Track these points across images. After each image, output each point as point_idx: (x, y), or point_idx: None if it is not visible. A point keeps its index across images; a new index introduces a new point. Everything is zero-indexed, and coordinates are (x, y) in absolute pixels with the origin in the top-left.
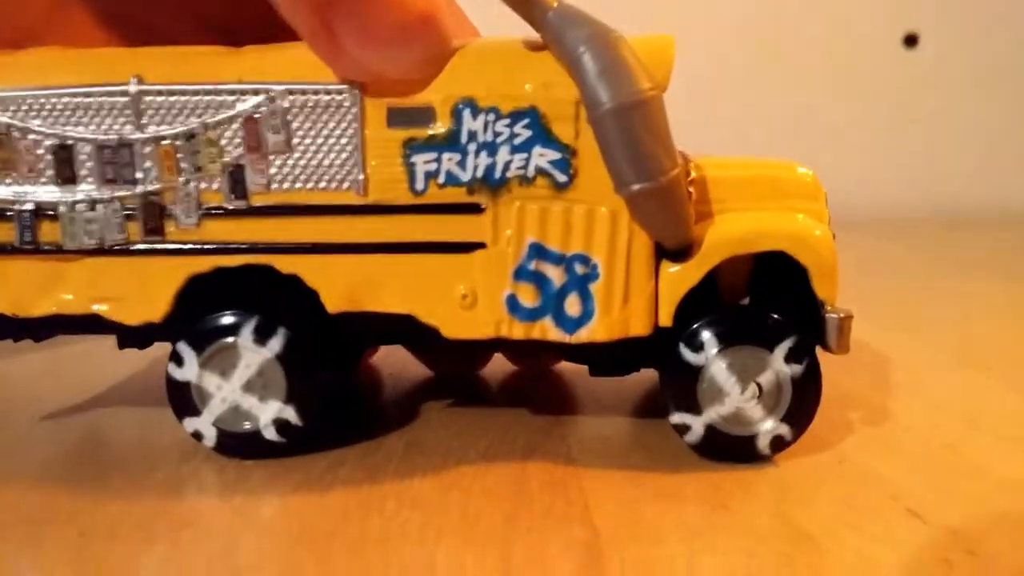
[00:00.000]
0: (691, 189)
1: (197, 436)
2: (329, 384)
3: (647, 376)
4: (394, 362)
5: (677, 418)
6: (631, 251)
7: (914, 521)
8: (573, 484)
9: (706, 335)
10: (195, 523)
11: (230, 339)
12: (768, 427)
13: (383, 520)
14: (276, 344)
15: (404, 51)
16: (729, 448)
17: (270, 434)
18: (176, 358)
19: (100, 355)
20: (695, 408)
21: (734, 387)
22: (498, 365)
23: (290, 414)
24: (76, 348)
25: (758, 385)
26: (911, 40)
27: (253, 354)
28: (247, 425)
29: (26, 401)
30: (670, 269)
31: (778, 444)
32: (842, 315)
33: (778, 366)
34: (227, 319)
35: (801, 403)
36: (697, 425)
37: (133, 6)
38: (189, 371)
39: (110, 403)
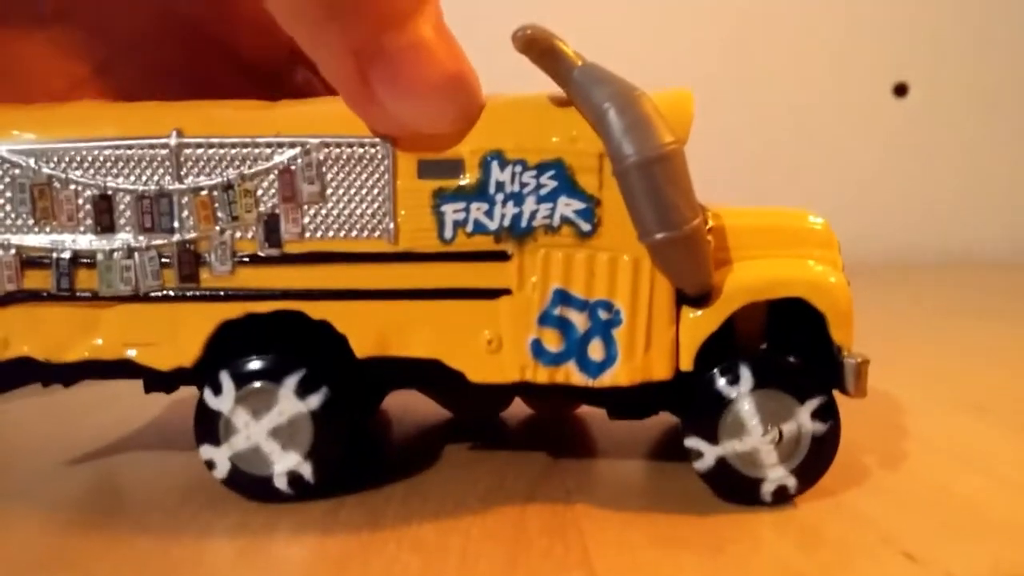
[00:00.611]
0: (710, 237)
1: (209, 465)
2: (350, 439)
3: (649, 420)
4: (395, 405)
5: (692, 442)
6: (653, 297)
7: (909, 564)
8: (572, 528)
9: (744, 371)
10: (198, 566)
11: (272, 384)
12: (777, 475)
13: (383, 563)
14: (315, 401)
15: (438, 107)
16: (734, 486)
17: (281, 484)
18: (215, 386)
19: (119, 399)
20: (713, 437)
21: (756, 427)
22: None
23: (306, 470)
24: (96, 391)
25: (780, 432)
26: (901, 89)
27: (290, 404)
28: (261, 469)
29: (39, 443)
30: (691, 315)
31: (781, 494)
32: (859, 360)
33: (803, 420)
34: (275, 364)
35: (815, 460)
36: (710, 454)
37: (175, 59)
38: (224, 403)
39: (120, 446)
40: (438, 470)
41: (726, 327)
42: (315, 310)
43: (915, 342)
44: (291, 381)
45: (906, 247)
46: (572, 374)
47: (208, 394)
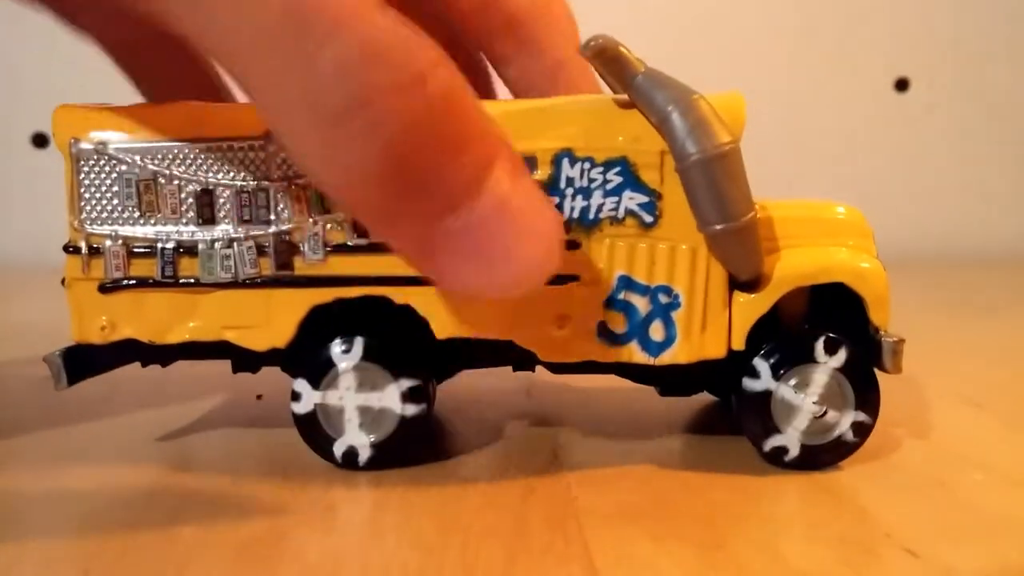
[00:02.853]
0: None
1: (296, 396)
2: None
3: (649, 414)
4: None
5: (772, 444)
6: (708, 283)
7: (911, 560)
8: (572, 523)
9: (762, 366)
10: (196, 561)
11: (390, 375)
12: (846, 422)
13: (383, 559)
14: (411, 410)
15: (521, 278)
16: (822, 455)
17: (338, 452)
18: (347, 346)
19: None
20: (776, 428)
21: (803, 401)
22: (499, 402)
23: (364, 455)
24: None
25: (818, 395)
26: (902, 84)
27: (391, 400)
28: (331, 430)
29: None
30: (742, 299)
31: (860, 429)
32: (896, 339)
33: (823, 369)
34: (402, 362)
35: (861, 385)
36: (792, 446)
37: None
38: (346, 361)
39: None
40: (437, 465)
41: (772, 310)
42: (398, 295)
43: (915, 337)
44: (403, 384)
45: (907, 242)
46: (635, 353)
47: (336, 346)
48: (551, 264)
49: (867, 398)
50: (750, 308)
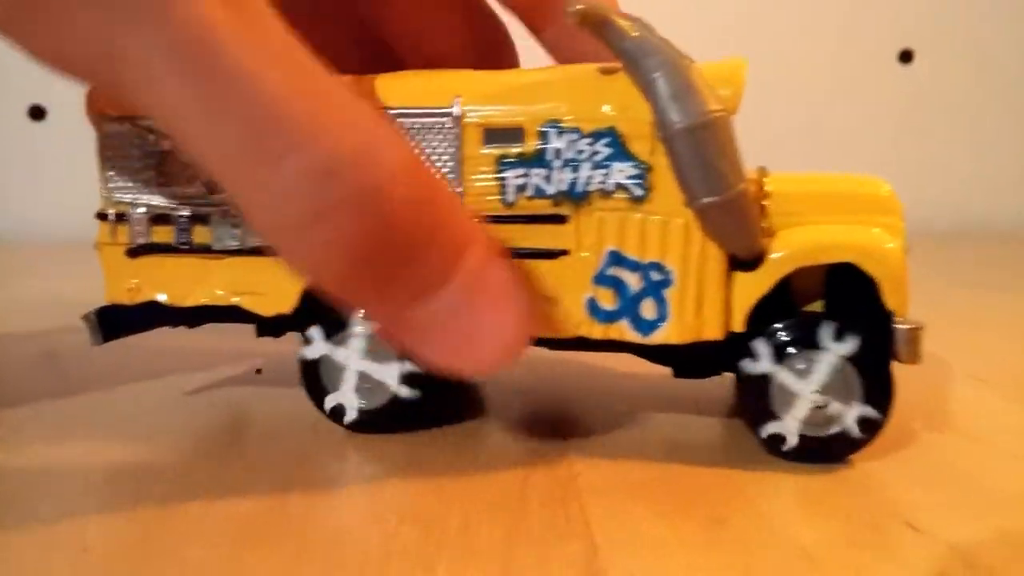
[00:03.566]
0: (766, 203)
1: (307, 340)
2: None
3: (651, 390)
4: None
5: (768, 431)
6: (704, 260)
7: (914, 535)
8: (573, 500)
9: (762, 348)
10: (196, 538)
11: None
12: (851, 416)
13: (384, 536)
14: (405, 391)
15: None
16: (821, 448)
17: (327, 405)
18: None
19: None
20: (775, 416)
21: (803, 387)
22: (499, 378)
23: (351, 415)
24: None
25: (821, 382)
26: (906, 56)
27: (388, 376)
28: (328, 383)
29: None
30: (741, 278)
31: (866, 425)
32: (911, 326)
33: (832, 353)
34: None
35: (872, 381)
36: (790, 434)
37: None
38: (362, 325)
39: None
40: (439, 443)
41: (783, 291)
42: None
43: (920, 312)
44: (405, 366)
45: (913, 216)
46: (626, 331)
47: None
48: (517, 351)
49: (877, 391)
50: (750, 288)
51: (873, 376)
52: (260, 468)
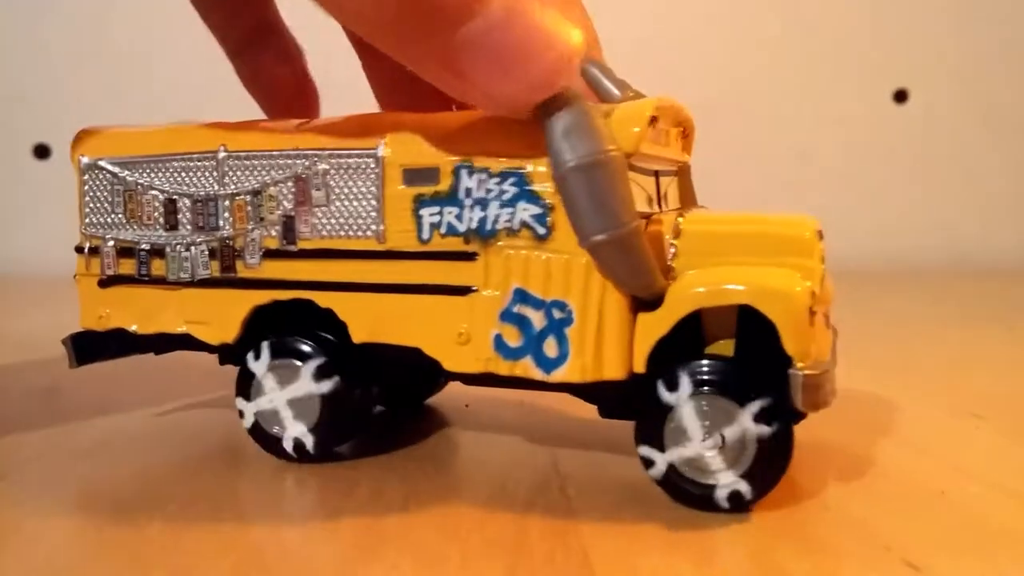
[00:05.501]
0: (675, 243)
1: (241, 414)
2: (351, 425)
3: None
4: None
5: (644, 451)
6: (604, 299)
7: (911, 573)
8: (572, 534)
9: (683, 377)
10: (194, 567)
11: (298, 363)
12: (727, 481)
13: (383, 570)
14: (327, 386)
15: (536, 79)
16: (689, 492)
17: (288, 447)
18: (256, 353)
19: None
20: (660, 445)
21: (698, 432)
22: (498, 413)
23: (309, 441)
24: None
25: (722, 436)
26: (901, 96)
27: (307, 384)
28: (276, 429)
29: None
30: (643, 319)
31: (736, 500)
32: (807, 372)
33: (746, 423)
34: (305, 347)
35: (765, 464)
36: (660, 462)
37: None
38: (260, 367)
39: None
40: (438, 477)
41: (695, 331)
42: (322, 299)
43: (914, 348)
44: (311, 365)
45: (906, 252)
46: (529, 368)
47: (251, 358)
48: (567, 68)
49: (762, 467)
50: (650, 328)
51: (771, 449)
52: (259, 501)
